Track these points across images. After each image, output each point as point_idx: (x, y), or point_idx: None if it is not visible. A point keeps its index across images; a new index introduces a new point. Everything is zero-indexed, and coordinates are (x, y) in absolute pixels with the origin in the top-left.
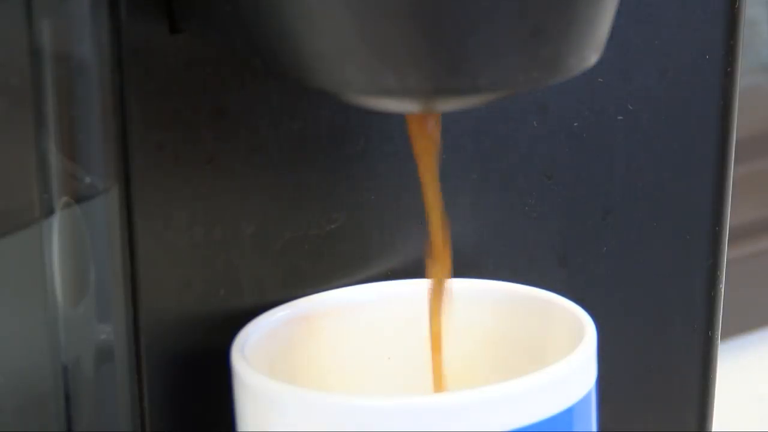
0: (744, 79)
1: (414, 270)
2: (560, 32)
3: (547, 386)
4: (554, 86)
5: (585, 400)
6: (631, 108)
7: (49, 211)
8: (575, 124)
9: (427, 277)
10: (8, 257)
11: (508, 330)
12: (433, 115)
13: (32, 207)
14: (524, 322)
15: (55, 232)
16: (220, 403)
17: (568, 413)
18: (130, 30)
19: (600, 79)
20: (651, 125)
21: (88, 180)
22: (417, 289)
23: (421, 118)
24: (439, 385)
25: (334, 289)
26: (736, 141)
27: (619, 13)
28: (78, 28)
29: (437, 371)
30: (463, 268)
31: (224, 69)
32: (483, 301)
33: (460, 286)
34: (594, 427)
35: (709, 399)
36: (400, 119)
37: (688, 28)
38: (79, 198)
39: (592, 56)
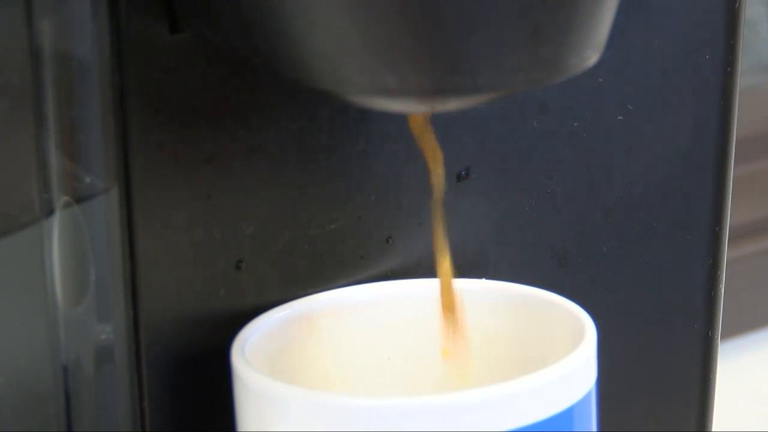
0: (744, 79)
1: (414, 270)
2: (560, 32)
3: (547, 386)
4: (554, 86)
5: (585, 400)
6: (631, 108)
7: (49, 211)
8: (575, 124)
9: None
10: (8, 257)
11: (508, 330)
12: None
13: (32, 207)
14: (524, 322)
15: (55, 232)
16: (220, 403)
17: (568, 413)
18: (130, 30)
19: (600, 79)
20: (651, 125)
21: (88, 180)
22: (417, 289)
23: (417, 118)
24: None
25: (334, 289)
26: (736, 141)
27: (619, 13)
28: (78, 28)
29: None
30: (463, 268)
31: (224, 69)
32: (483, 301)
33: (460, 287)
34: (594, 427)
35: (709, 399)
36: (400, 119)
37: (688, 29)
38: (79, 198)
39: (592, 56)
